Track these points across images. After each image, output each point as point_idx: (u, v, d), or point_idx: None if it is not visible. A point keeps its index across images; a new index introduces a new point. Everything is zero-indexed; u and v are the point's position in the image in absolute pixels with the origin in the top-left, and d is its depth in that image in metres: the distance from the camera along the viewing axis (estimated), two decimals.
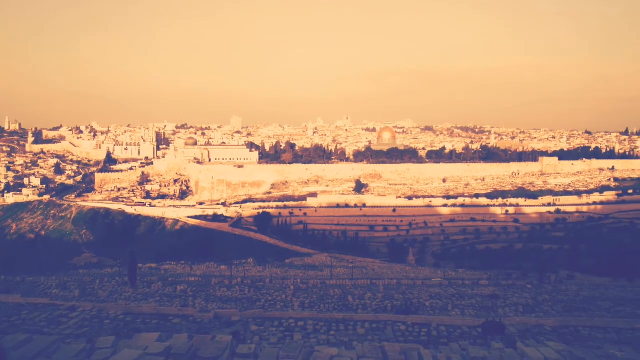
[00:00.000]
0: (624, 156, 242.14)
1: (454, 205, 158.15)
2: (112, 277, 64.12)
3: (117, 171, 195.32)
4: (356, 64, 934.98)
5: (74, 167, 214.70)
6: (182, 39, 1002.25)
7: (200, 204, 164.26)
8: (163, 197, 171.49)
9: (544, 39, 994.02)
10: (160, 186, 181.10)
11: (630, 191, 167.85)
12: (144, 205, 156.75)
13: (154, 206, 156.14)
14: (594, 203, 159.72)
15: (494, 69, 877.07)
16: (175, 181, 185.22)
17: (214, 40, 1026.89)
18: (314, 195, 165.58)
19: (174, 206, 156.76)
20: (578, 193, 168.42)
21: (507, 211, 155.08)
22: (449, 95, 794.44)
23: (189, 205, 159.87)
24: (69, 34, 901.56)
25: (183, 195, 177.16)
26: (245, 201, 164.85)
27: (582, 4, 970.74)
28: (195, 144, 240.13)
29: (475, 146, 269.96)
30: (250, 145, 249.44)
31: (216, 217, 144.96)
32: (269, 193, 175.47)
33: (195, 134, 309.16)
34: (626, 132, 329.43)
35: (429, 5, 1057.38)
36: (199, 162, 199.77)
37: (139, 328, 32.64)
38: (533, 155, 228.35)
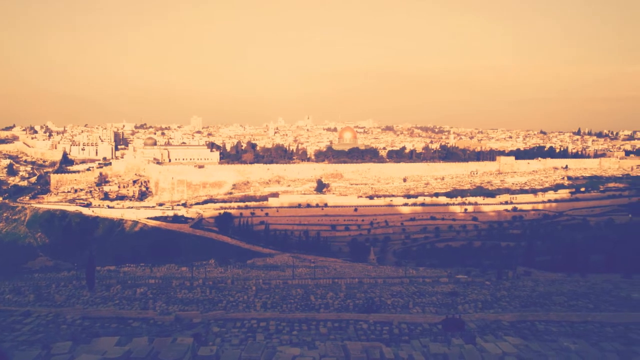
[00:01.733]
0: (576, 155, 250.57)
1: (414, 205, 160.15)
2: (69, 281, 62.52)
3: (74, 172, 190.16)
4: (317, 64, 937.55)
5: (28, 168, 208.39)
6: (141, 38, 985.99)
7: (160, 204, 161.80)
8: (122, 198, 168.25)
9: (500, 42, 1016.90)
10: (119, 187, 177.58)
11: (583, 189, 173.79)
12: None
13: (113, 207, 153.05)
14: (549, 201, 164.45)
15: (453, 70, 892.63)
16: (135, 182, 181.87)
17: (174, 40, 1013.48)
18: (275, 195, 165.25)
19: (134, 207, 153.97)
20: (534, 191, 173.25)
21: (466, 209, 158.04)
22: (409, 96, 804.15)
23: (149, 206, 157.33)
24: (23, 31, 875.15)
25: (142, 196, 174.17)
26: (206, 202, 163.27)
27: (537, 8, 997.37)
28: (155, 144, 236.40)
29: (435, 146, 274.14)
30: (211, 145, 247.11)
31: (176, 218, 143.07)
32: (230, 193, 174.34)
33: (155, 134, 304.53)
34: (578, 132, 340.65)
35: (389, 7, 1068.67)
36: (158, 163, 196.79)
37: (98, 332, 31.90)
38: (491, 155, 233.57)
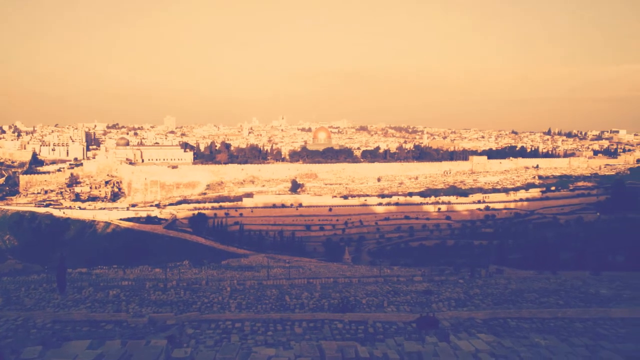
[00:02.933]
0: (547, 155, 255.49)
1: (388, 204, 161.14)
2: (39, 284, 61.31)
3: (44, 173, 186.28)
4: (291, 64, 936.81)
5: None
6: (114, 37, 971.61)
7: (133, 205, 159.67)
8: (94, 199, 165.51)
9: (471, 42, 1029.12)
10: (91, 188, 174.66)
11: (553, 188, 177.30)
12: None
13: (84, 208, 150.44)
14: (521, 200, 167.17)
15: (426, 70, 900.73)
16: (107, 182, 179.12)
17: (147, 39, 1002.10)
18: (249, 195, 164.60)
19: (106, 208, 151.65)
20: (506, 190, 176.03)
21: (439, 209, 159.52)
22: (383, 97, 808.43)
23: (121, 207, 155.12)
24: None
25: (115, 197, 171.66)
26: (179, 202, 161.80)
27: (503, 9, 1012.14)
28: (128, 144, 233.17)
29: (409, 146, 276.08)
30: (185, 146, 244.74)
31: (150, 219, 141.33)
32: (204, 194, 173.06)
33: (127, 134, 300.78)
34: (549, 132, 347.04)
35: (362, 6, 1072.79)
36: (131, 163, 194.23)
37: (69, 336, 31.38)
38: (464, 155, 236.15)
